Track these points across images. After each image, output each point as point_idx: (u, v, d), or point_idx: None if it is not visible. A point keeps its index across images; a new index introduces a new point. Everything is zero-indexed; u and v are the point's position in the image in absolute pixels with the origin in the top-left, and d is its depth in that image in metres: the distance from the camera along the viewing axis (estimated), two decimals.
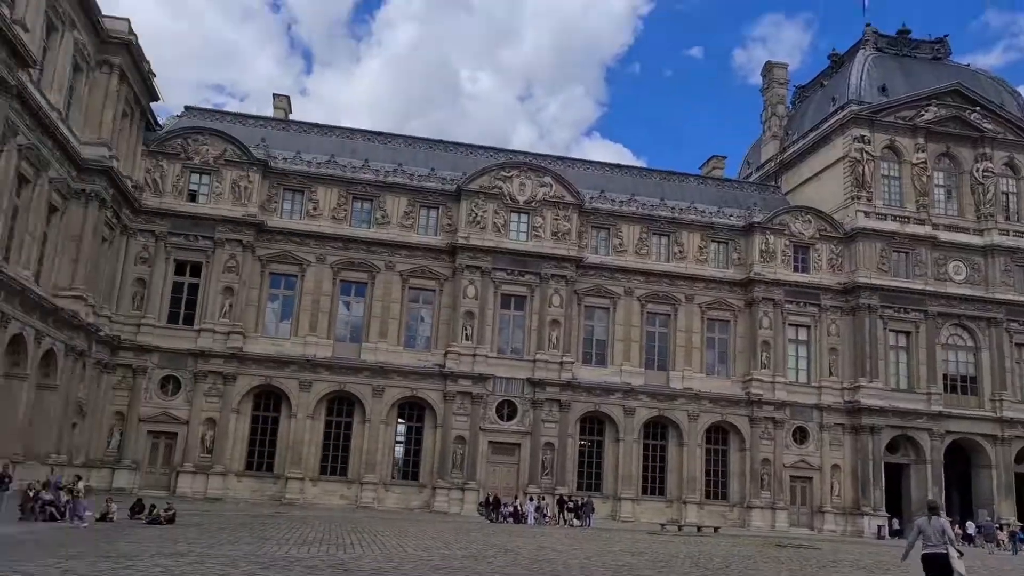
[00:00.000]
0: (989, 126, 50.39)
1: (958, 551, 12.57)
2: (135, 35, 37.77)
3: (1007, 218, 49.77)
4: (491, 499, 39.42)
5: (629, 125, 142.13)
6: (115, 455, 39.53)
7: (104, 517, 22.95)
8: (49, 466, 30.12)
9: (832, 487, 45.82)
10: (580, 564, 18.17)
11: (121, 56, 37.12)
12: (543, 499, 40.53)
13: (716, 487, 46.10)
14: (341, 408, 43.14)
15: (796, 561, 22.71)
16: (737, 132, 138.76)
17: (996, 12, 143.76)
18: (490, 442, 43.28)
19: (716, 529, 39.09)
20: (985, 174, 49.67)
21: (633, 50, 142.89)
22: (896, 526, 44.76)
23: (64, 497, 23.88)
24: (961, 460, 47.78)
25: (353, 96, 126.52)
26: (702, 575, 17.18)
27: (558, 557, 19.66)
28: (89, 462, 37.49)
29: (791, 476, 45.79)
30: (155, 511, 23.77)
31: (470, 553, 19.22)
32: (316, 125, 50.67)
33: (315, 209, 44.25)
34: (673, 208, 48.38)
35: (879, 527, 43.87)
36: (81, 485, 23.21)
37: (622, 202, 47.93)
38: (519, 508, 39.10)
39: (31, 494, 22.30)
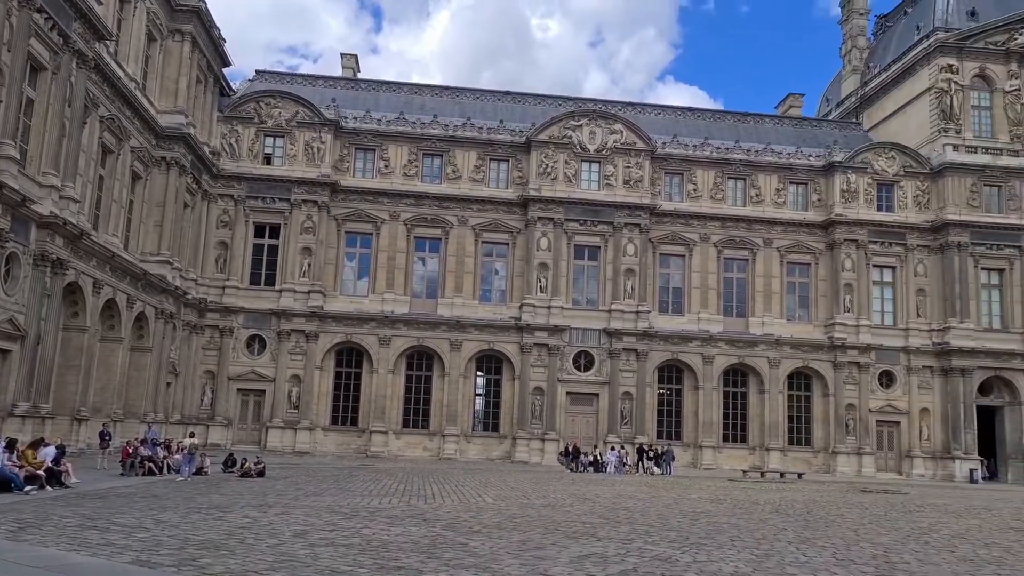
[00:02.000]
0: None
1: None
2: (204, 1, 38.35)
3: None
4: (571, 449, 39.71)
5: (704, 67, 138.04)
6: (208, 412, 41.22)
7: (199, 471, 23.99)
8: (147, 423, 31.62)
9: (921, 431, 44.60)
10: (658, 512, 18.14)
11: (192, 23, 37.81)
12: (623, 448, 40.63)
13: (799, 433, 45.42)
14: (420, 362, 43.89)
15: (881, 506, 22.25)
16: (816, 69, 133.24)
17: None
18: (568, 393, 43.48)
19: (800, 475, 38.59)
20: None
21: None
22: (989, 470, 43.35)
23: (161, 452, 25.05)
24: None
25: (423, 51, 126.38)
26: (782, 521, 16.98)
27: (636, 505, 19.69)
28: (185, 419, 39.19)
29: (877, 421, 44.73)
30: (246, 465, 24.71)
31: (548, 502, 19.41)
32: (384, 83, 50.88)
33: (386, 167, 44.61)
34: (748, 150, 47.05)
35: (971, 471, 42.58)
36: (189, 442, 24.28)
37: (695, 146, 46.84)
38: (599, 457, 39.30)
39: (130, 450, 23.44)
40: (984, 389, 44.65)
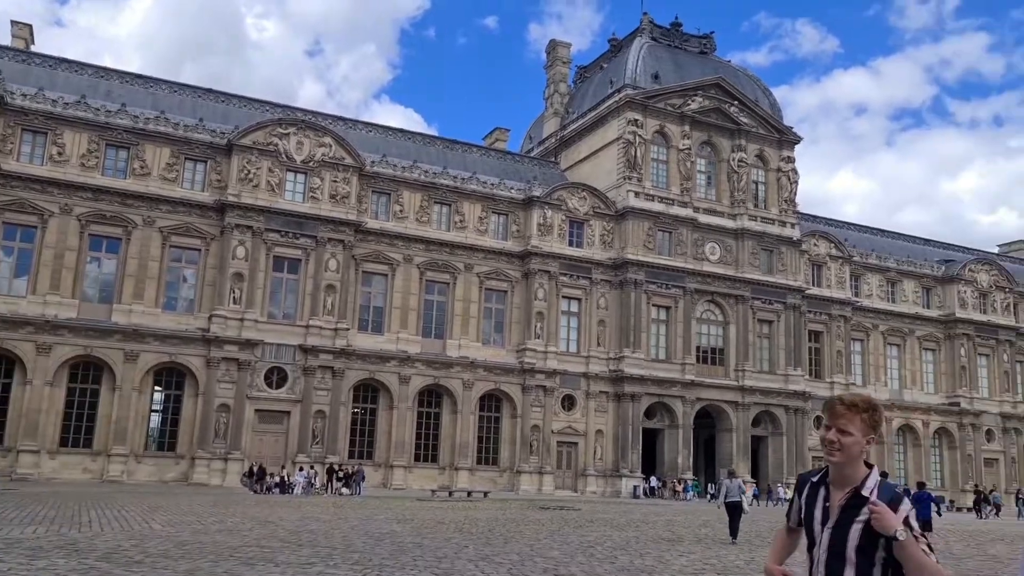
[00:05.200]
0: (745, 120, 54.64)
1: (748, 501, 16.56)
2: None
3: (756, 205, 54.31)
4: (256, 469, 37.58)
5: (421, 90, 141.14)
6: None
7: None
8: None
9: (595, 451, 48.17)
10: (343, 534, 17.44)
11: None
12: (312, 468, 39.24)
13: (488, 453, 47.00)
14: (88, 374, 39.25)
15: (556, 522, 23.35)
16: (524, 106, 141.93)
17: (767, 15, 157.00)
18: (257, 410, 41.27)
19: (486, 494, 39.79)
20: (739, 164, 53.85)
21: (429, 13, 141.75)
22: (651, 485, 47.85)
23: None
24: (708, 425, 51.94)
25: (119, 32, 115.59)
26: (464, 539, 17.07)
27: (321, 528, 18.82)
28: None
29: (558, 441, 47.61)
30: None
31: (225, 527, 17.89)
32: (65, 60, 45.31)
33: (60, 154, 39.67)
34: (456, 177, 48.33)
35: (635, 487, 46.73)
36: None
37: (404, 168, 47.18)
38: (286, 478, 37.59)
39: None
40: (649, 413, 49.38)
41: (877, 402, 3.52)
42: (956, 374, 60.35)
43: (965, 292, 61.85)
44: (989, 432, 60.64)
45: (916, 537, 3.19)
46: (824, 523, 3.42)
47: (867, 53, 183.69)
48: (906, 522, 3.21)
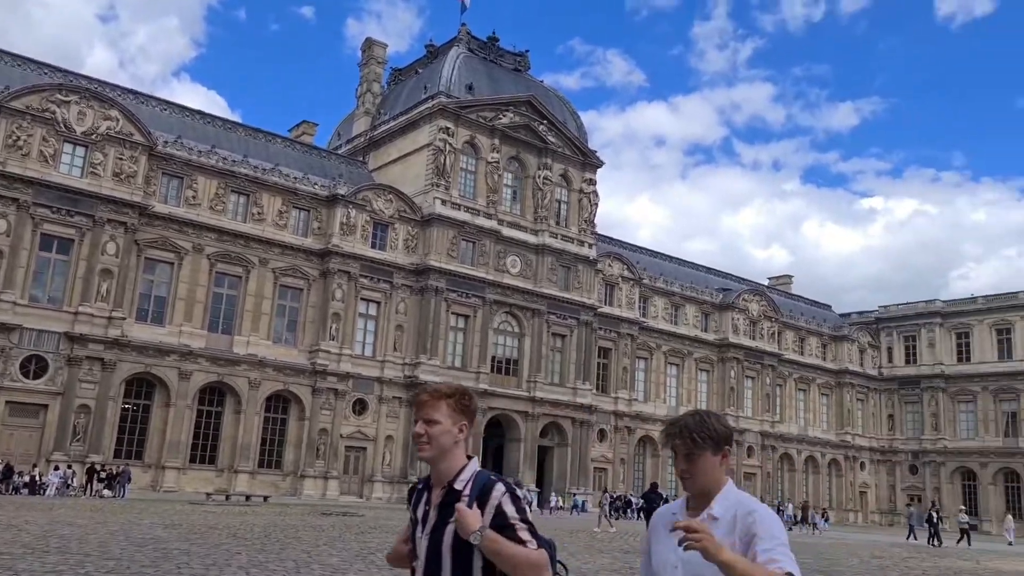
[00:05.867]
0: (552, 139, 56.34)
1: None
2: None
3: (557, 223, 56.06)
4: (3, 467, 33.70)
5: (226, 73, 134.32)
6: None
7: None
8: None
9: (384, 457, 47.48)
10: (100, 539, 15.88)
11: None
12: (70, 468, 35.77)
13: (272, 456, 45.05)
14: None
15: (337, 528, 22.63)
16: (334, 102, 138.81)
17: (581, 41, 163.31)
18: (8, 402, 37.06)
19: (266, 498, 38.03)
20: (544, 181, 55.41)
21: None
22: None
23: None
24: (498, 434, 52.78)
25: None
26: (237, 545, 16.03)
27: (74, 532, 17.06)
28: None
29: (347, 446, 46.49)
30: None
31: None
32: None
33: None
34: (256, 167, 46.18)
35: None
36: None
37: (201, 152, 44.46)
38: (38, 478, 34.00)
39: None
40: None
41: (466, 387, 3.26)
42: (725, 394, 65.25)
43: (738, 319, 67.12)
44: (750, 449, 66.00)
45: (513, 524, 2.92)
46: (424, 529, 3.10)
47: (669, 89, 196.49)
48: (499, 509, 2.94)
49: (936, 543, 35.21)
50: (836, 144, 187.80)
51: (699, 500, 3.07)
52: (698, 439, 3.01)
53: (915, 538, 39.64)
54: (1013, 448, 69.04)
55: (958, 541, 36.91)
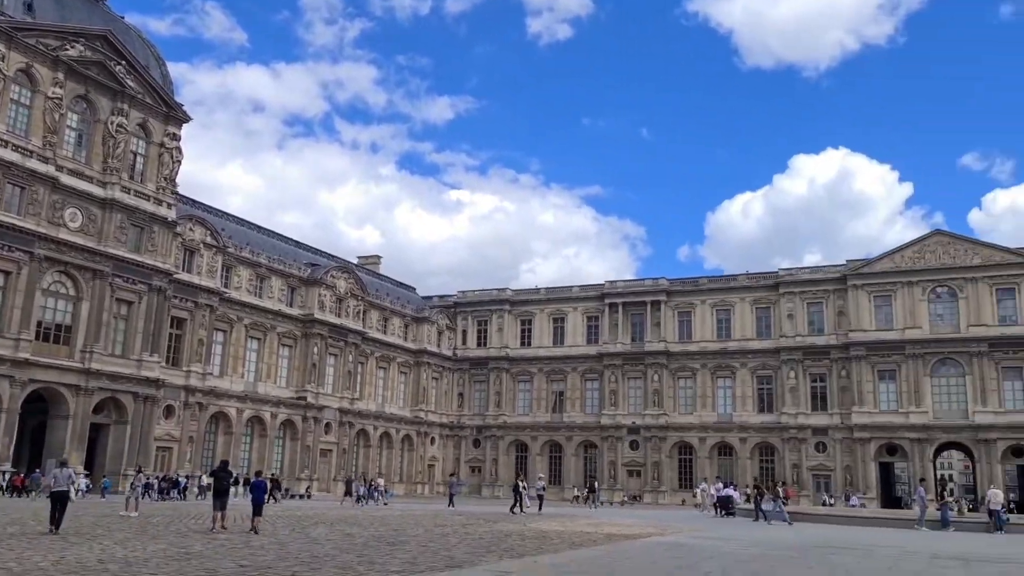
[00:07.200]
0: (132, 83, 50.59)
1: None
2: None
3: (132, 177, 50.47)
4: None
5: None
6: None
7: None
8: None
9: None
10: None
11: None
12: None
13: None
14: None
15: None
16: None
17: None
18: None
19: None
20: (119, 129, 49.51)
21: None
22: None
23: None
24: (41, 410, 46.06)
25: None
26: None
27: None
28: None
29: None
30: None
31: None
32: None
33: None
34: None
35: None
36: None
37: None
38: None
39: None
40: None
41: None
42: (307, 370, 64.54)
43: (325, 295, 66.79)
44: (328, 425, 66.14)
45: None
46: None
47: (272, 55, 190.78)
48: None
49: (519, 510, 37.35)
50: (432, 135, 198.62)
51: None
52: None
53: (453, 505, 42.92)
54: (558, 423, 78.40)
55: (539, 509, 39.38)
